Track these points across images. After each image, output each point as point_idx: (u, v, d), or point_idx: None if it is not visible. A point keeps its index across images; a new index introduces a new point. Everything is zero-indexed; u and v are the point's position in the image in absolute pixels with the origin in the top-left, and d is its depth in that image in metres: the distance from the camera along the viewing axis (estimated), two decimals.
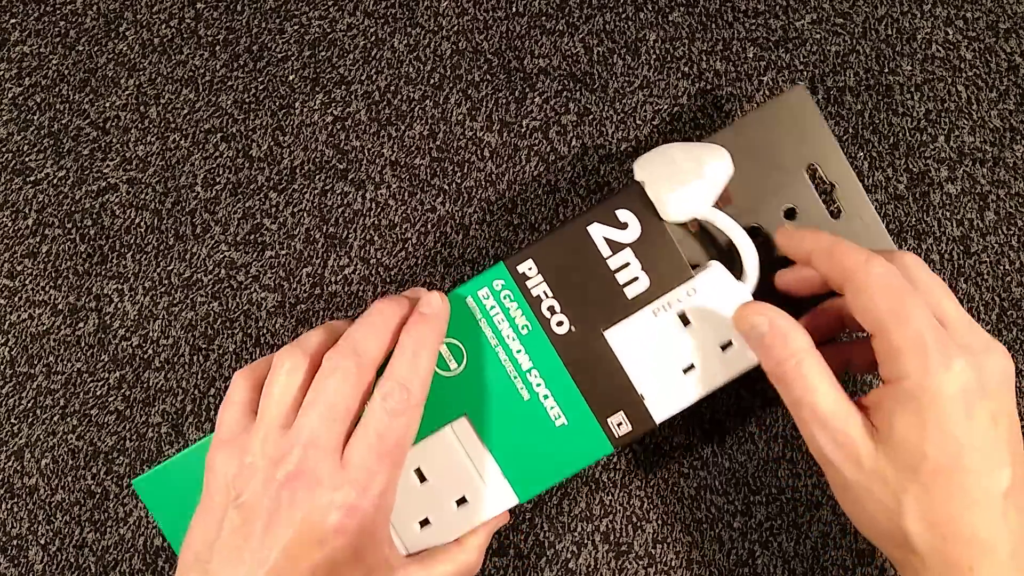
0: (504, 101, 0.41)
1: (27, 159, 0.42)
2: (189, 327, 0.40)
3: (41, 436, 0.40)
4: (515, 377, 0.33)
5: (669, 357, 0.32)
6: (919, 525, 0.27)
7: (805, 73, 0.40)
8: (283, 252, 0.40)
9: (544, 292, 0.33)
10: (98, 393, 0.40)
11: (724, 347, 0.32)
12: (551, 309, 0.33)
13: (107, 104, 0.42)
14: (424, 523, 0.33)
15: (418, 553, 0.33)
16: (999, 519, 0.27)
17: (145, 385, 0.40)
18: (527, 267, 0.33)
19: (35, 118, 0.42)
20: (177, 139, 0.41)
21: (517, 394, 0.33)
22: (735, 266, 0.33)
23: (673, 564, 0.38)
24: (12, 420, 0.40)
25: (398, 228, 0.40)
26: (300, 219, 0.40)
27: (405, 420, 0.29)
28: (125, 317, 0.40)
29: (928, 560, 0.27)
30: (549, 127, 0.40)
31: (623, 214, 0.32)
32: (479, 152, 0.40)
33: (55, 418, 0.40)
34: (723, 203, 0.34)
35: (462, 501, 0.33)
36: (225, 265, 0.40)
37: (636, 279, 0.32)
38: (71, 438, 0.40)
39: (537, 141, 0.40)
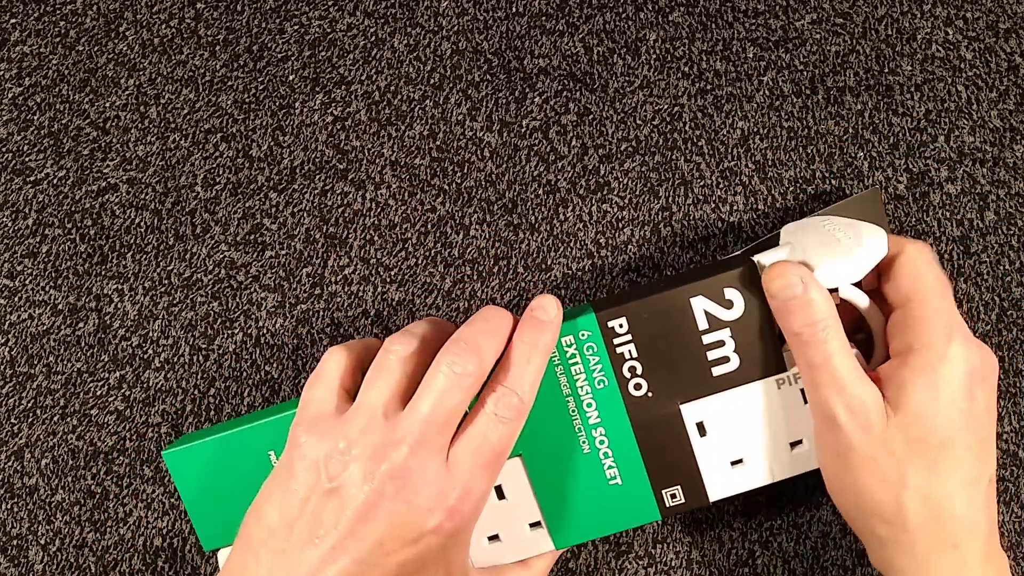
0: (504, 101, 0.41)
1: (27, 159, 0.42)
2: (189, 327, 0.40)
3: (41, 436, 0.40)
4: (579, 430, 0.32)
5: (773, 432, 0.32)
6: (917, 499, 0.28)
7: (805, 73, 0.40)
8: (283, 252, 0.40)
9: (629, 352, 0.32)
10: (98, 393, 0.40)
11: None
12: (632, 370, 0.32)
13: (107, 104, 0.42)
14: (493, 538, 0.33)
15: (487, 568, 0.33)
16: (983, 501, 0.29)
17: (145, 385, 0.40)
18: (618, 323, 0.31)
19: (35, 118, 0.42)
20: (177, 139, 0.41)
21: (577, 446, 0.32)
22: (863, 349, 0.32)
23: (673, 564, 0.38)
24: (12, 420, 0.40)
25: (398, 228, 0.40)
26: (300, 219, 0.40)
27: (512, 428, 0.29)
28: (125, 317, 0.40)
29: (917, 536, 0.28)
30: (549, 127, 0.40)
31: (731, 293, 0.31)
32: (479, 152, 0.40)
33: (55, 418, 0.40)
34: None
35: (536, 524, 0.33)
36: (225, 265, 0.40)
37: (726, 360, 0.32)
38: (71, 438, 0.40)
39: (537, 141, 0.40)
